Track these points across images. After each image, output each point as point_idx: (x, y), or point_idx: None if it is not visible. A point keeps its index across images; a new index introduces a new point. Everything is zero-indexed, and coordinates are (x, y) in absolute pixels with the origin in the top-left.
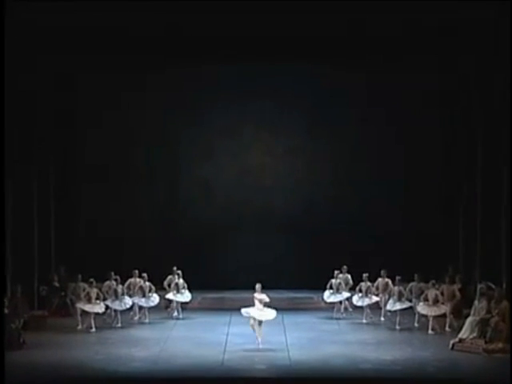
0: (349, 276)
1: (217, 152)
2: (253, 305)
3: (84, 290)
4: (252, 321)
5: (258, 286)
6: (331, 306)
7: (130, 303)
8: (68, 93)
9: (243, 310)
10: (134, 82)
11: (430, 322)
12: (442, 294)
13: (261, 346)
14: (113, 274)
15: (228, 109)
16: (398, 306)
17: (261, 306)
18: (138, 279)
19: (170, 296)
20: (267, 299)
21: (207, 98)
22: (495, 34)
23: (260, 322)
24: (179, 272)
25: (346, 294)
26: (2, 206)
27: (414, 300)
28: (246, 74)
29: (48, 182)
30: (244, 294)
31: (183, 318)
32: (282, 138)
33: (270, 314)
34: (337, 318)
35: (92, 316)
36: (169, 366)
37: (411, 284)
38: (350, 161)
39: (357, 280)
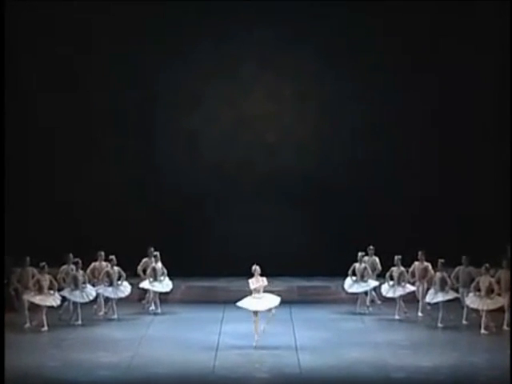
0: (376, 259)
1: (205, 98)
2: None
3: (33, 276)
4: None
5: (255, 267)
6: (354, 297)
7: (94, 294)
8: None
9: (239, 303)
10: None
11: (483, 319)
12: (499, 282)
13: (255, 345)
14: (71, 256)
15: (220, 41)
16: (440, 298)
17: (259, 294)
18: (103, 263)
19: (145, 285)
20: (266, 283)
21: (192, 27)
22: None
23: (256, 313)
24: (157, 254)
25: (373, 283)
26: None
27: (461, 290)
28: None
29: None
30: (241, 283)
31: (162, 313)
32: (289, 79)
33: (271, 301)
34: (361, 314)
35: (44, 311)
36: (144, 374)
37: (458, 269)
38: (377, 108)
39: (387, 264)
